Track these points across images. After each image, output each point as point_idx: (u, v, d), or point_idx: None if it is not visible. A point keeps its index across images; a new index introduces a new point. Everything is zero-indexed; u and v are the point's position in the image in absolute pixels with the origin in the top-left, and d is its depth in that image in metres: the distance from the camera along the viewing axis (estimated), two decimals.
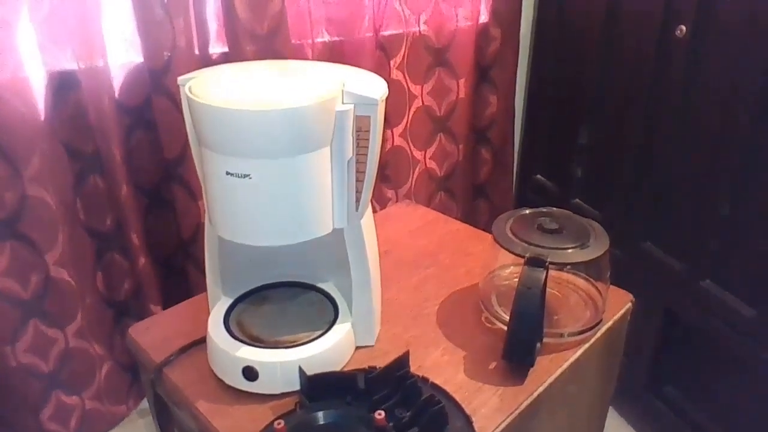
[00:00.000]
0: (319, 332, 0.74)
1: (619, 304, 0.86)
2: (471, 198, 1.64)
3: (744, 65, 1.02)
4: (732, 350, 1.13)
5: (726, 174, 1.08)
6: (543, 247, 0.74)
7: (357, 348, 0.77)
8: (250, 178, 0.61)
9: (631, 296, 0.87)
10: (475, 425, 0.65)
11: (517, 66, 1.54)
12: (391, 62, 1.32)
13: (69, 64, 0.94)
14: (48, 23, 0.90)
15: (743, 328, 1.08)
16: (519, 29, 1.51)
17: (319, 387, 0.66)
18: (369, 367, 0.68)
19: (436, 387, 0.69)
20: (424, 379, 0.69)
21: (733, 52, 1.04)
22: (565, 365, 0.75)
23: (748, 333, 1.07)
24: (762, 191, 1.02)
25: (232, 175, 0.62)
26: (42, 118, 0.93)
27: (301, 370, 0.67)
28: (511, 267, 0.87)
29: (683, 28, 1.11)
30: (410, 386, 0.64)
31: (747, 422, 1.13)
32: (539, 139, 1.64)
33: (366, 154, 0.66)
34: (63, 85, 0.96)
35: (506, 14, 1.45)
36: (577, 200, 1.49)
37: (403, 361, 0.67)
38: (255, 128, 0.59)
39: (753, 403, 1.11)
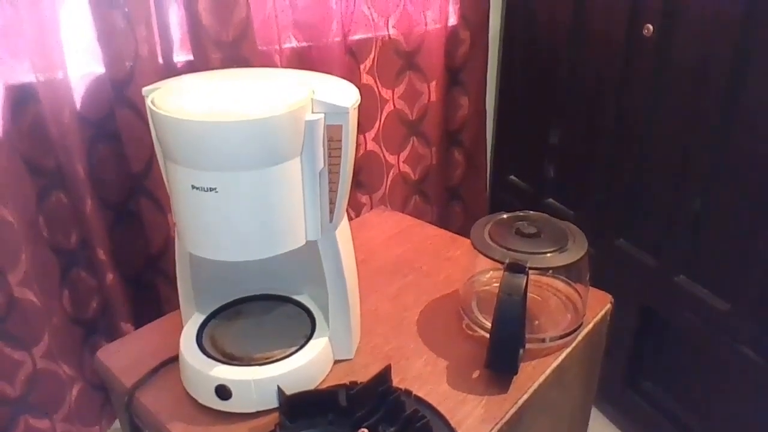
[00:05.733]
0: (295, 347, 0.72)
1: (598, 305, 0.85)
2: (446, 201, 1.63)
3: (710, 62, 1.02)
4: (707, 344, 1.14)
5: (696, 169, 1.09)
6: (522, 252, 0.73)
7: (335, 362, 0.75)
8: (216, 191, 0.59)
9: (610, 297, 0.87)
10: None
11: (487, 68, 1.54)
12: (361, 67, 1.31)
13: (27, 76, 0.91)
14: (3, 35, 0.86)
15: (718, 322, 1.09)
16: (488, 31, 1.50)
17: (298, 406, 0.64)
18: (350, 382, 0.66)
19: (419, 400, 0.67)
20: (407, 393, 0.67)
21: (699, 50, 1.05)
22: (548, 371, 0.74)
23: (722, 327, 1.08)
24: (732, 185, 1.03)
25: (197, 188, 0.60)
26: (0, 133, 0.89)
27: (279, 389, 0.65)
28: (491, 272, 0.87)
29: (650, 26, 1.12)
30: (393, 401, 0.63)
31: (724, 414, 1.14)
32: (511, 141, 1.65)
33: (339, 165, 0.64)
34: (21, 99, 0.92)
35: (475, 16, 1.45)
36: (551, 200, 1.50)
37: (384, 376, 0.65)
38: (219, 140, 0.57)
39: (729, 395, 1.12)
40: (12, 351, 0.97)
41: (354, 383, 0.66)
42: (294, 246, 0.66)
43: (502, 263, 0.71)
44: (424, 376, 0.74)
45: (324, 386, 0.71)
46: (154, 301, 1.15)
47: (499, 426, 0.67)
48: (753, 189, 1.00)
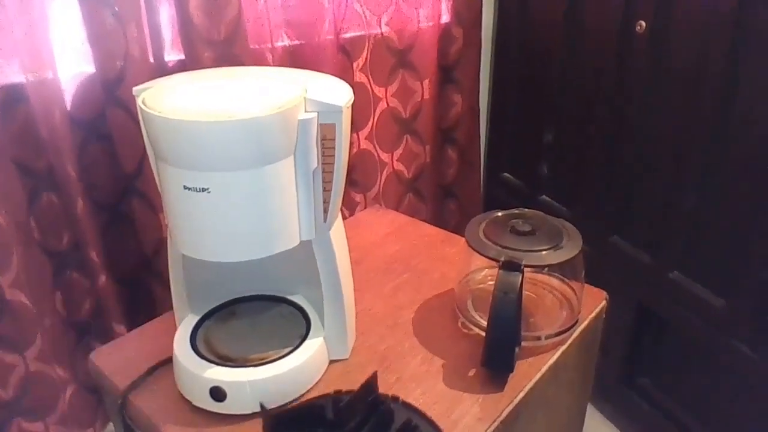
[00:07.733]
0: (290, 348, 0.71)
1: (593, 302, 0.85)
2: (440, 198, 1.63)
3: (704, 58, 1.02)
4: (703, 340, 1.14)
5: (691, 165, 1.09)
6: (517, 249, 0.73)
7: (331, 362, 0.75)
8: (209, 192, 0.59)
9: (605, 294, 0.87)
10: None
11: (480, 65, 1.54)
12: (354, 65, 1.30)
13: (16, 76, 0.90)
14: None
15: (713, 318, 1.09)
16: (481, 29, 1.50)
17: (285, 422, 0.62)
18: (335, 391, 0.65)
19: (408, 406, 0.66)
20: (395, 399, 0.66)
21: (693, 46, 1.05)
22: (544, 368, 0.74)
23: (717, 323, 1.08)
24: (726, 181, 1.03)
25: (189, 189, 0.59)
26: None
27: (262, 407, 0.64)
28: (486, 270, 0.86)
29: (643, 23, 1.12)
30: (382, 411, 0.62)
31: (720, 410, 1.15)
32: (505, 138, 1.64)
33: (332, 164, 0.64)
34: (11, 99, 0.91)
35: (467, 14, 1.45)
36: (545, 197, 1.50)
37: (371, 386, 0.63)
38: (211, 140, 0.57)
39: (725, 392, 1.12)
40: (4, 354, 0.97)
41: (339, 392, 0.65)
42: (288, 246, 0.65)
43: (497, 261, 0.71)
44: (420, 375, 0.73)
45: (320, 387, 0.71)
46: (147, 303, 1.14)
47: (495, 424, 0.66)
48: (748, 185, 1.00)
